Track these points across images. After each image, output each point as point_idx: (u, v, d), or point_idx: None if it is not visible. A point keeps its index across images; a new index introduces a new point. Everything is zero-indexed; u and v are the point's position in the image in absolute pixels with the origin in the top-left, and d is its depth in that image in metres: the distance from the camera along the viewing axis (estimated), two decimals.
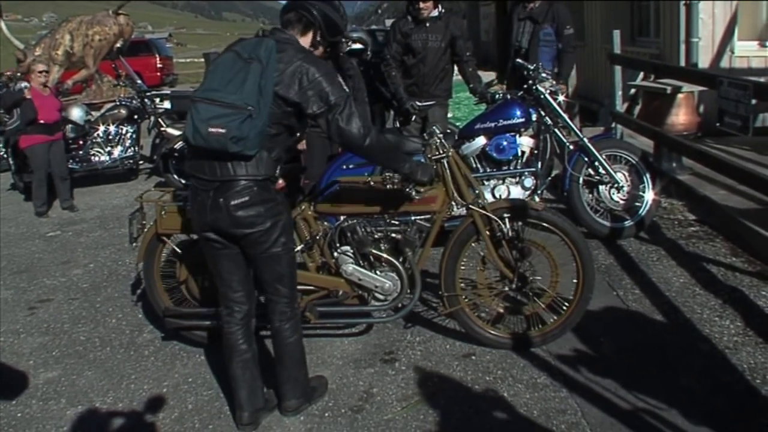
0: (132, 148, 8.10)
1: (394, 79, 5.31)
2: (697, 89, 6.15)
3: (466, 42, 5.36)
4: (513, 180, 4.45)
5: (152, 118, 7.77)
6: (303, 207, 3.39)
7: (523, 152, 4.56)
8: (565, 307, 3.38)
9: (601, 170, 4.67)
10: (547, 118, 4.59)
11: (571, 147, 4.71)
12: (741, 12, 7.30)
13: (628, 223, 4.78)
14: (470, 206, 3.25)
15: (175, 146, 7.04)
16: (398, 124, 5.69)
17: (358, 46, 6.42)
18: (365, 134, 2.71)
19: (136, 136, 8.19)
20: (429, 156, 3.19)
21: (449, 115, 5.79)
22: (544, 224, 3.31)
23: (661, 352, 3.27)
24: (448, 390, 3.11)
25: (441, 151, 3.17)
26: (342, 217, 3.38)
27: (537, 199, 4.43)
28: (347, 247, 3.35)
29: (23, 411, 3.23)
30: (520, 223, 3.33)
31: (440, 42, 5.21)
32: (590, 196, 4.77)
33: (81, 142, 8.03)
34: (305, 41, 2.86)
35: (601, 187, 4.72)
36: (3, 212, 7.27)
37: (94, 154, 8.00)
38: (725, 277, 4.04)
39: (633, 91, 7.46)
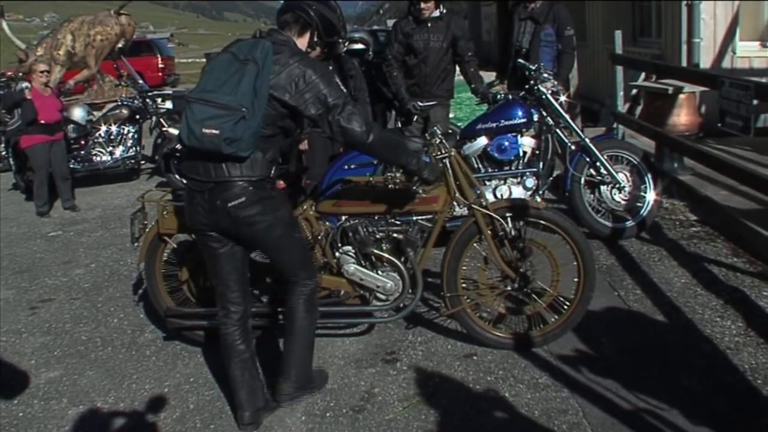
0: (134, 148, 8.11)
1: (395, 79, 5.31)
2: (698, 90, 6.14)
3: (468, 42, 5.36)
4: (514, 180, 4.45)
5: (154, 118, 7.79)
6: (305, 207, 3.39)
7: (524, 152, 4.56)
8: (566, 307, 3.38)
9: (602, 170, 4.67)
10: (548, 118, 4.60)
11: (573, 147, 4.71)
12: (742, 12, 7.29)
13: (629, 223, 4.78)
14: (472, 206, 3.25)
15: (177, 146, 7.03)
16: (400, 125, 5.69)
17: (359, 46, 6.41)
18: (368, 131, 2.71)
19: (138, 136, 8.19)
20: (433, 155, 3.19)
21: (451, 115, 5.79)
22: (545, 223, 3.31)
23: (663, 352, 3.27)
24: (450, 390, 3.11)
25: (442, 151, 3.17)
26: (344, 217, 3.38)
27: (538, 199, 4.43)
28: (349, 247, 3.35)
29: (25, 410, 3.23)
30: (521, 223, 3.34)
31: (442, 42, 5.21)
32: (592, 196, 4.77)
33: (83, 142, 8.04)
34: (302, 42, 2.86)
35: (603, 188, 4.72)
36: (4, 212, 7.28)
37: (95, 154, 8.01)
38: (726, 278, 4.04)
39: (634, 91, 7.46)
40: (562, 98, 4.65)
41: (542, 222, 3.32)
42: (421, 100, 5.26)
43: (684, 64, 7.08)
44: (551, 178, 4.93)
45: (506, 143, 4.47)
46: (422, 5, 5.11)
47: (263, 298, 3.47)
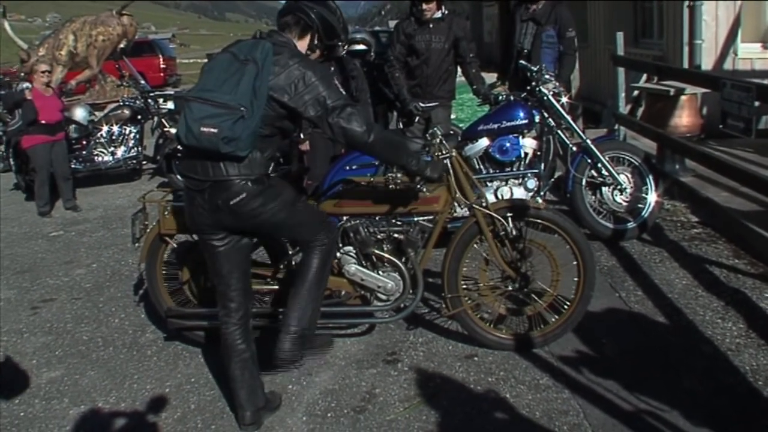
0: (135, 149, 8.12)
1: (397, 80, 5.31)
2: (700, 91, 6.13)
3: (470, 43, 5.36)
4: (516, 181, 4.45)
5: (155, 119, 7.80)
6: None
7: (526, 154, 4.56)
8: (566, 307, 3.38)
9: (603, 172, 4.67)
10: (550, 119, 4.59)
11: (574, 148, 4.71)
12: (744, 14, 7.29)
13: (630, 224, 4.78)
14: (473, 206, 3.25)
15: (178, 147, 7.03)
16: (401, 126, 5.69)
17: (361, 47, 6.42)
18: (368, 131, 2.71)
19: (140, 136, 8.20)
20: (435, 155, 3.19)
21: (452, 116, 5.79)
22: (545, 223, 3.32)
23: (664, 353, 3.27)
24: (451, 391, 3.11)
25: (443, 152, 3.17)
26: (345, 218, 3.38)
27: (540, 200, 4.43)
28: (350, 248, 3.35)
29: (26, 410, 3.23)
30: (522, 223, 3.34)
31: (443, 43, 5.21)
32: (593, 197, 4.77)
33: (84, 143, 8.05)
34: (302, 45, 2.87)
35: (604, 189, 4.72)
36: (6, 212, 7.29)
37: (97, 155, 8.01)
38: (728, 279, 4.03)
39: (636, 92, 7.45)
40: (564, 99, 4.64)
41: (542, 222, 3.33)
42: (422, 101, 5.25)
43: (685, 65, 7.07)
44: (552, 180, 4.93)
45: (508, 144, 4.47)
46: (424, 6, 5.11)
47: (264, 298, 3.48)
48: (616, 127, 6.90)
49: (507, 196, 4.35)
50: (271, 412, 3.01)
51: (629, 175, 4.75)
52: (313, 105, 2.65)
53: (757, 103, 4.25)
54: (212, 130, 2.51)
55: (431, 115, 5.29)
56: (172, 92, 9.55)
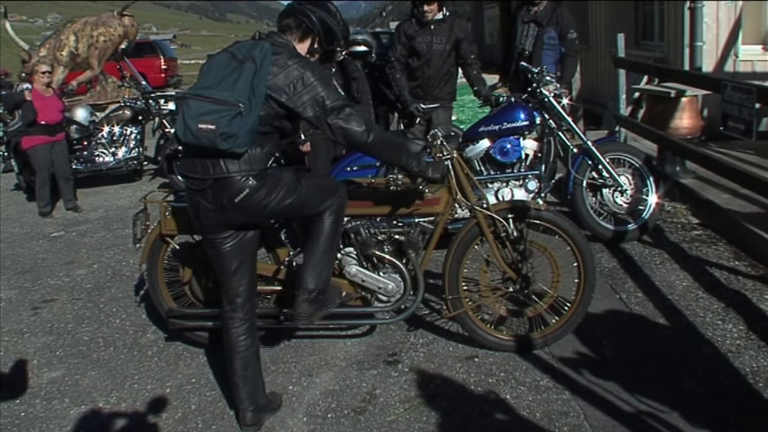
0: (136, 149, 8.13)
1: (398, 81, 5.31)
2: (700, 93, 6.14)
3: (471, 45, 5.37)
4: (517, 183, 4.45)
5: (156, 120, 7.81)
6: None
7: (526, 155, 4.57)
8: (566, 308, 3.38)
9: (604, 173, 4.67)
10: (551, 121, 4.60)
11: (575, 150, 4.72)
12: (745, 16, 7.30)
13: (631, 226, 4.78)
14: (474, 207, 3.26)
15: (179, 147, 7.05)
16: (402, 127, 5.70)
17: (362, 48, 6.43)
18: (368, 130, 2.72)
19: (141, 137, 8.21)
20: (436, 156, 3.19)
21: (453, 117, 5.79)
22: (546, 224, 3.32)
23: (664, 355, 3.27)
24: (451, 392, 3.12)
25: (443, 153, 3.18)
26: (345, 219, 3.38)
27: (540, 202, 4.44)
28: (351, 249, 3.36)
29: (27, 410, 3.24)
30: (522, 224, 3.34)
31: (445, 44, 5.22)
32: (594, 199, 4.78)
33: (85, 143, 8.06)
34: (302, 47, 2.87)
35: (605, 191, 4.72)
36: (7, 212, 7.30)
37: (98, 155, 8.03)
38: (728, 281, 4.04)
39: (637, 94, 7.45)
40: (565, 101, 4.65)
41: (542, 223, 3.33)
42: (423, 102, 5.26)
43: (686, 67, 7.08)
44: (553, 181, 4.93)
45: (508, 146, 4.48)
46: (425, 7, 5.12)
47: (266, 297, 3.48)
48: (617, 128, 6.90)
49: (508, 198, 4.36)
50: (272, 413, 3.01)
51: (630, 177, 4.75)
52: (312, 105, 2.66)
53: (757, 105, 4.25)
54: (210, 126, 2.51)
55: (432, 117, 5.30)
56: (173, 93, 9.54)
